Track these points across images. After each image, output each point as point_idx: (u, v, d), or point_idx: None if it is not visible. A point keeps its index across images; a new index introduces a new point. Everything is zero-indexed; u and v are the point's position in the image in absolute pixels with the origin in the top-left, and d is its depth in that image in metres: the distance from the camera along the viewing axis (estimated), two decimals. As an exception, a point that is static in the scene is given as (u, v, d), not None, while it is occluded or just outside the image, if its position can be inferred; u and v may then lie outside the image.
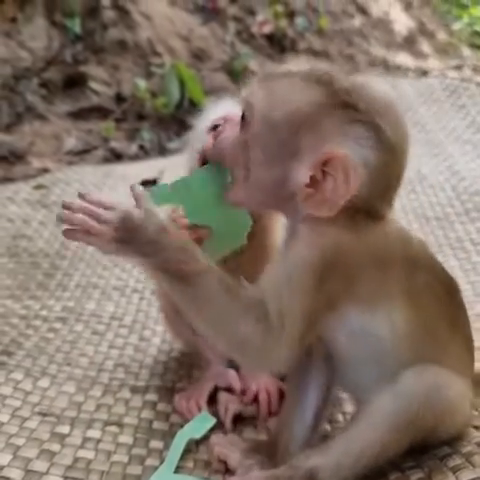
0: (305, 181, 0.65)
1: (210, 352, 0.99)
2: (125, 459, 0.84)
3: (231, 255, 0.79)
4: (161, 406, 0.97)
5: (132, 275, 1.39)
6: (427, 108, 2.14)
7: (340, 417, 0.90)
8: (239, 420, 0.92)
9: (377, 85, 0.70)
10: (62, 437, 0.87)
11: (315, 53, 3.22)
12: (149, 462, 0.84)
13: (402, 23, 3.58)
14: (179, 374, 1.05)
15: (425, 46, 3.52)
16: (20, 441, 0.84)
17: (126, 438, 0.89)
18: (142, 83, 2.52)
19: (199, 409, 0.93)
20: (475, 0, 3.91)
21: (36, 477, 0.79)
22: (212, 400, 0.95)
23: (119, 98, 2.54)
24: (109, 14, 2.68)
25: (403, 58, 3.36)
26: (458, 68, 3.09)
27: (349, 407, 0.90)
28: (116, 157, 2.27)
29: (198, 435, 0.87)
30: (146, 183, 1.86)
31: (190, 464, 0.84)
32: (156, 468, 0.82)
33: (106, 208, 0.64)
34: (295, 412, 0.79)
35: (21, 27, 2.44)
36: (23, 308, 1.22)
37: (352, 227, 0.66)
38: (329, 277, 0.65)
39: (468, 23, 3.76)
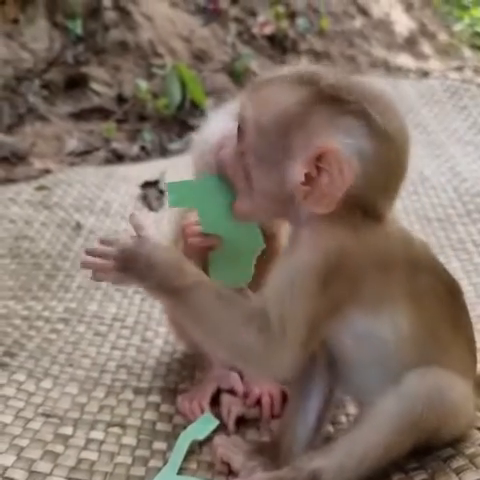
0: (300, 179, 0.65)
1: (212, 354, 0.99)
2: (128, 460, 0.84)
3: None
4: (164, 407, 0.97)
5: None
6: (428, 109, 2.14)
7: (343, 419, 0.90)
8: (242, 422, 0.92)
9: (368, 81, 0.70)
10: (65, 438, 0.87)
11: (316, 54, 3.22)
12: (152, 463, 0.84)
13: (403, 24, 3.58)
14: (182, 375, 1.05)
15: (426, 47, 3.52)
16: (24, 442, 0.84)
17: (129, 439, 0.89)
18: (143, 84, 2.52)
19: (202, 410, 0.93)
20: (476, 1, 3.92)
21: (40, 478, 0.79)
22: (215, 402, 0.95)
23: (120, 99, 2.54)
24: (110, 15, 2.68)
25: (404, 59, 3.36)
26: (459, 69, 3.09)
27: (352, 409, 0.90)
28: (117, 158, 2.27)
29: (201, 436, 0.87)
30: (147, 184, 1.86)
31: (193, 466, 0.84)
32: (159, 469, 0.82)
33: (108, 245, 0.71)
34: (298, 414, 0.79)
35: (23, 28, 2.44)
36: (25, 309, 1.22)
37: (354, 229, 0.66)
38: (333, 280, 0.65)
39: (469, 24, 3.76)
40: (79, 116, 2.43)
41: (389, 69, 3.22)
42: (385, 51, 3.38)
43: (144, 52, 2.71)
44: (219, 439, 0.83)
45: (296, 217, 0.69)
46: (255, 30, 3.15)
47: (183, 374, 1.06)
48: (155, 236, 0.71)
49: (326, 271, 0.65)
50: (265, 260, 0.77)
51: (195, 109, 2.49)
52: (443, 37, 3.63)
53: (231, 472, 0.80)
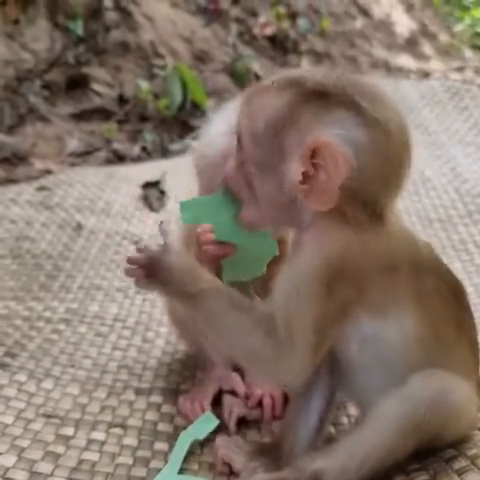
0: (298, 179, 0.65)
1: (215, 354, 0.99)
2: (130, 461, 0.84)
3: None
4: (165, 408, 0.97)
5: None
6: (429, 110, 2.14)
7: (345, 420, 0.90)
8: (243, 423, 0.92)
9: (361, 78, 0.71)
10: (67, 439, 0.87)
11: (317, 55, 3.22)
12: (154, 464, 0.84)
13: (404, 25, 3.58)
14: (183, 376, 1.05)
15: (427, 48, 3.52)
16: (25, 443, 0.84)
17: (130, 440, 0.89)
18: (144, 85, 2.52)
19: (203, 411, 0.92)
20: (477, 1, 3.92)
21: (41, 479, 0.79)
22: (216, 402, 0.95)
23: (121, 100, 2.54)
24: (111, 16, 2.68)
25: (405, 60, 3.36)
26: (460, 70, 3.09)
27: (354, 410, 0.90)
28: (118, 159, 2.27)
29: (201, 436, 0.87)
30: (148, 185, 1.86)
31: (195, 466, 0.84)
32: (160, 470, 0.82)
33: (139, 252, 0.73)
34: (300, 414, 0.79)
35: (23, 29, 2.44)
36: (26, 309, 1.22)
37: (357, 232, 0.66)
38: (337, 284, 0.65)
39: (470, 25, 3.76)
40: (80, 116, 2.43)
41: (390, 70, 3.22)
42: (386, 52, 3.38)
43: (145, 53, 2.71)
44: (220, 440, 0.83)
45: (299, 222, 0.70)
46: (256, 31, 3.15)
47: (184, 375, 1.06)
48: (175, 243, 0.73)
49: (329, 275, 0.65)
50: (274, 263, 0.78)
51: (196, 110, 2.49)
52: (444, 38, 3.63)
53: (232, 473, 0.80)
